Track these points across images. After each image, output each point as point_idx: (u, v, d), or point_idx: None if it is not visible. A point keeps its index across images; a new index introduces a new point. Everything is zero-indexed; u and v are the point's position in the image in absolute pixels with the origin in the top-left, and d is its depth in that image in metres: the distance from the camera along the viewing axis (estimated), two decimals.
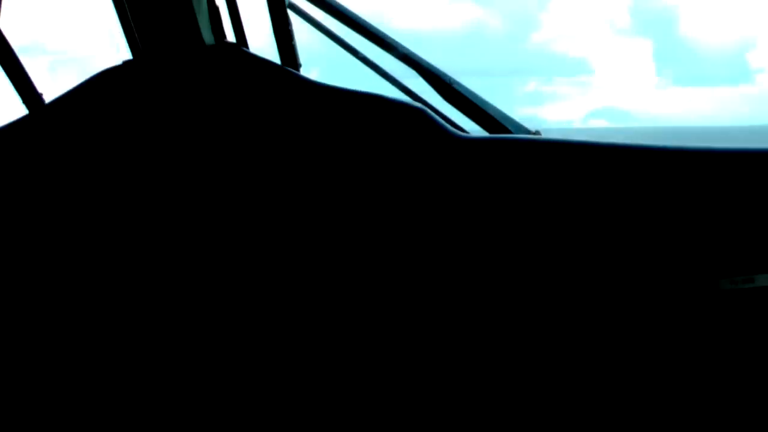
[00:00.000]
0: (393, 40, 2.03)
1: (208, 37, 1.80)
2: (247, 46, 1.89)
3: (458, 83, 2.03)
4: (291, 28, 2.07)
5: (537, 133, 2.06)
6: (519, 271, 1.65)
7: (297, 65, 2.07)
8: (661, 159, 1.63)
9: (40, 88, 1.97)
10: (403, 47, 2.02)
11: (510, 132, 2.02)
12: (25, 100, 1.94)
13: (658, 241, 1.60)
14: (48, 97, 1.94)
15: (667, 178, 1.61)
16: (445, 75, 2.03)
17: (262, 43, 2.09)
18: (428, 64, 2.02)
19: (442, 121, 1.71)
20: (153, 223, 1.73)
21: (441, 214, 1.67)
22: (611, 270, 1.62)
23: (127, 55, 1.92)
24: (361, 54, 2.09)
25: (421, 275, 1.66)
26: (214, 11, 1.85)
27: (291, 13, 2.07)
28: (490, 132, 2.03)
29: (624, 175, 1.64)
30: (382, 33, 2.03)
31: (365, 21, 2.04)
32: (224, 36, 1.88)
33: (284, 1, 2.02)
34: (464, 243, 1.66)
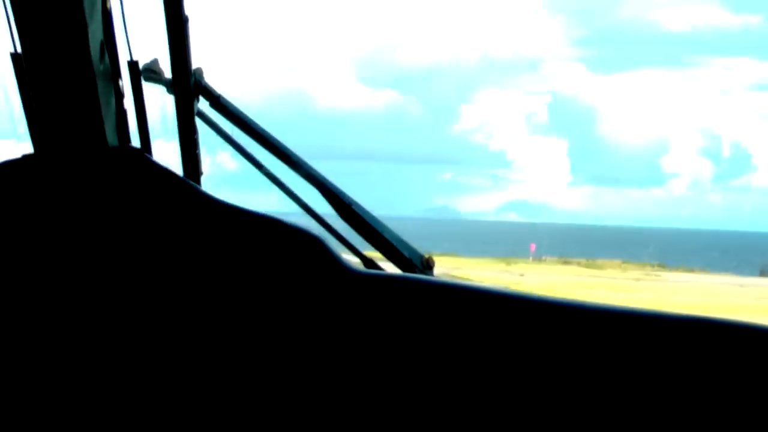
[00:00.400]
0: (299, 158, 2.07)
1: (112, 139, 1.80)
2: (150, 152, 1.89)
3: (358, 205, 2.08)
4: (197, 137, 2.08)
5: (429, 259, 2.12)
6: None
7: (199, 174, 2.08)
8: (549, 313, 1.65)
9: None
10: (308, 166, 2.05)
11: (405, 257, 2.07)
12: None
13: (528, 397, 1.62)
14: None
15: (552, 332, 1.63)
16: (346, 196, 2.07)
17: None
18: (331, 184, 2.06)
19: (337, 253, 1.73)
20: (34, 322, 1.68)
21: (319, 347, 1.67)
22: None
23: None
24: (266, 169, 2.11)
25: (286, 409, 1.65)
26: (121, 114, 1.86)
27: (199, 122, 2.08)
28: (386, 256, 2.07)
29: (513, 327, 1.65)
30: (288, 150, 2.07)
31: (272, 136, 2.07)
32: (129, 140, 1.87)
33: (192, 110, 2.04)
34: (335, 382, 1.66)
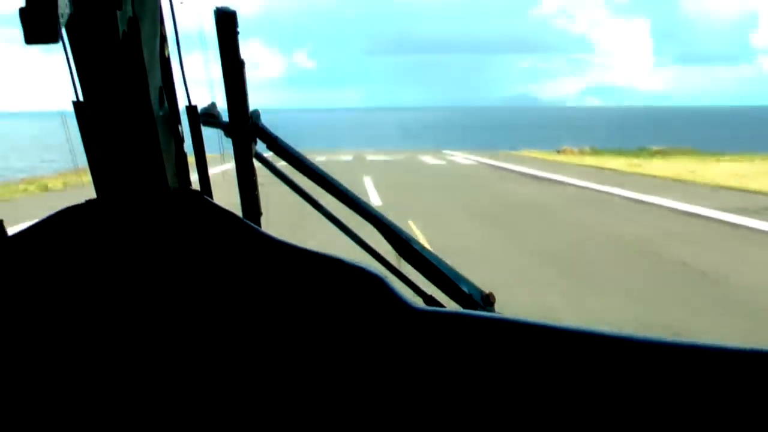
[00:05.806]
0: (356, 197, 2.06)
1: (173, 182, 1.84)
2: (210, 194, 1.92)
3: (416, 242, 2.06)
4: (255, 178, 2.10)
5: (490, 295, 2.08)
6: None
7: (259, 215, 2.10)
8: (613, 347, 1.60)
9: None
10: (366, 204, 2.05)
11: (465, 293, 2.03)
12: None
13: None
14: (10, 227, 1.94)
15: (616, 368, 1.58)
16: (404, 233, 2.06)
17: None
18: (388, 221, 2.05)
19: (400, 291, 1.72)
20: (100, 357, 1.71)
21: (386, 384, 1.66)
22: None
23: None
24: (324, 209, 2.12)
25: None
26: (180, 158, 1.89)
27: (257, 164, 2.11)
28: (445, 292, 2.04)
29: (579, 363, 1.61)
30: (346, 189, 2.07)
31: (329, 175, 2.08)
32: (189, 183, 1.91)
33: (251, 152, 2.07)
34: (401, 420, 1.64)
